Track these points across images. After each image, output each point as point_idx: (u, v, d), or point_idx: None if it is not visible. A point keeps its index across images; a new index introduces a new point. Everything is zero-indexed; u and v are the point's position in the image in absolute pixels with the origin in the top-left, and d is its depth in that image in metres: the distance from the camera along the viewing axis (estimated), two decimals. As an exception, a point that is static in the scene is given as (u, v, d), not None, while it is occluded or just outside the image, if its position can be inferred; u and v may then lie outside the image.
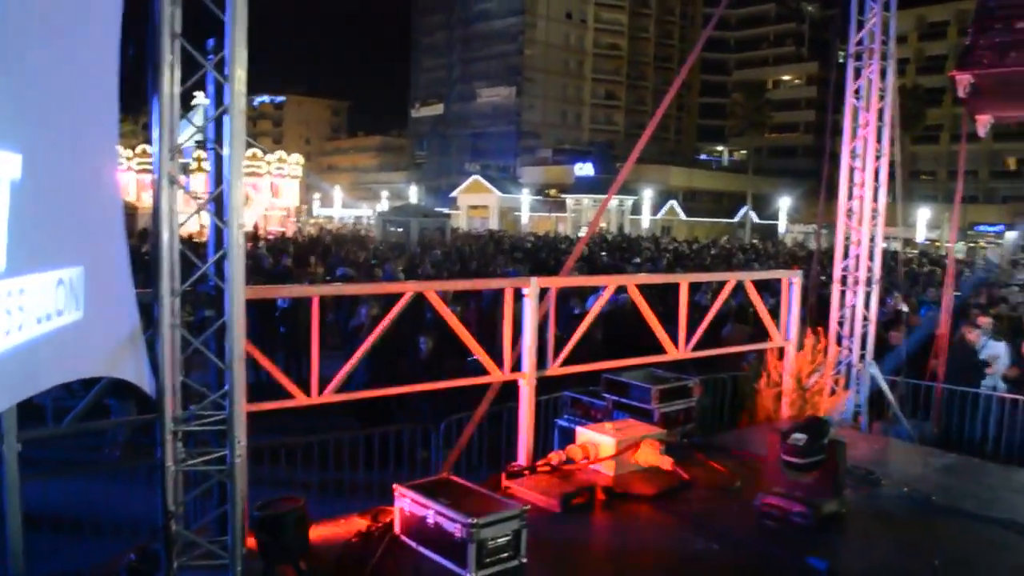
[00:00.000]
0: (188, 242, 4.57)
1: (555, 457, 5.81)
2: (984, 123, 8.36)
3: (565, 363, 6.12)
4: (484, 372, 5.72)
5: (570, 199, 67.82)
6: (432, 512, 4.40)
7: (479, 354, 5.55)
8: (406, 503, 4.60)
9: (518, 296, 5.80)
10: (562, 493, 5.28)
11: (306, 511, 4.38)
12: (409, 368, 9.24)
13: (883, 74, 9.14)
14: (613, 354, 7.16)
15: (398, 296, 5.36)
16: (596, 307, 6.84)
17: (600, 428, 6.04)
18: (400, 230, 39.44)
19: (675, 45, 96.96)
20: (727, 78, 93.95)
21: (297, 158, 51.15)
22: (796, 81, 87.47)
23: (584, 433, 5.99)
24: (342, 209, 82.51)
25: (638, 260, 25.00)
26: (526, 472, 5.69)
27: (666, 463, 5.76)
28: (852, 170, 9.22)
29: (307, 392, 4.83)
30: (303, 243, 31.73)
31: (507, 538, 4.28)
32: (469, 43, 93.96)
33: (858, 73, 9.24)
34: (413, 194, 76.30)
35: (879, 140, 9.16)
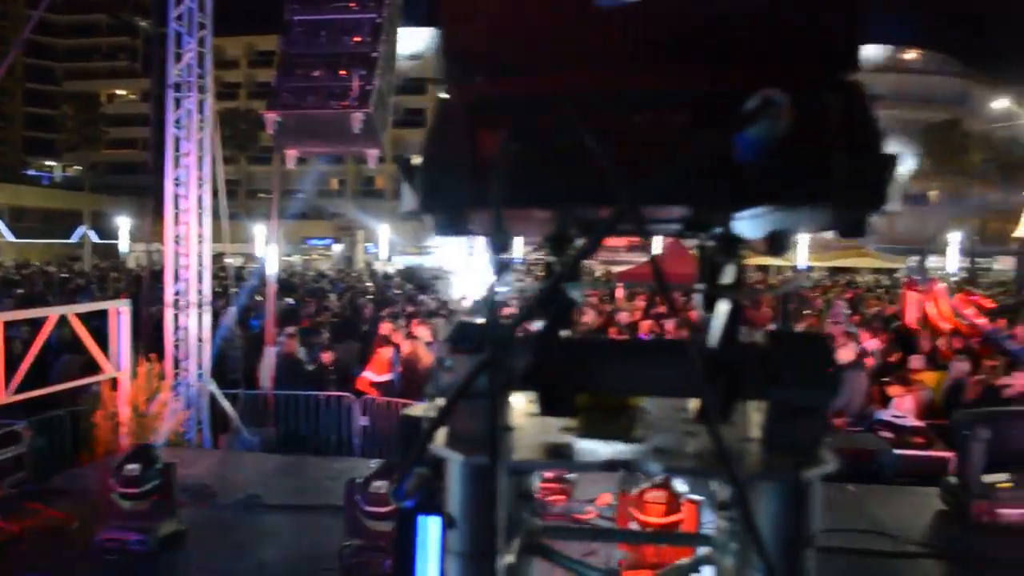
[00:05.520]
0: None
1: None
2: (292, 157, 9.37)
3: None
4: None
5: None
6: None
7: None
8: None
9: None
10: None
11: None
12: None
13: (202, 106, 9.63)
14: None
15: None
16: None
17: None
18: None
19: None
20: (57, 88, 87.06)
21: None
22: (132, 97, 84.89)
23: None
24: None
25: None
26: None
27: (-13, 521, 5.35)
28: (177, 197, 9.51)
29: None
30: None
31: None
32: None
33: (179, 103, 9.57)
34: None
35: (201, 168, 9.61)
